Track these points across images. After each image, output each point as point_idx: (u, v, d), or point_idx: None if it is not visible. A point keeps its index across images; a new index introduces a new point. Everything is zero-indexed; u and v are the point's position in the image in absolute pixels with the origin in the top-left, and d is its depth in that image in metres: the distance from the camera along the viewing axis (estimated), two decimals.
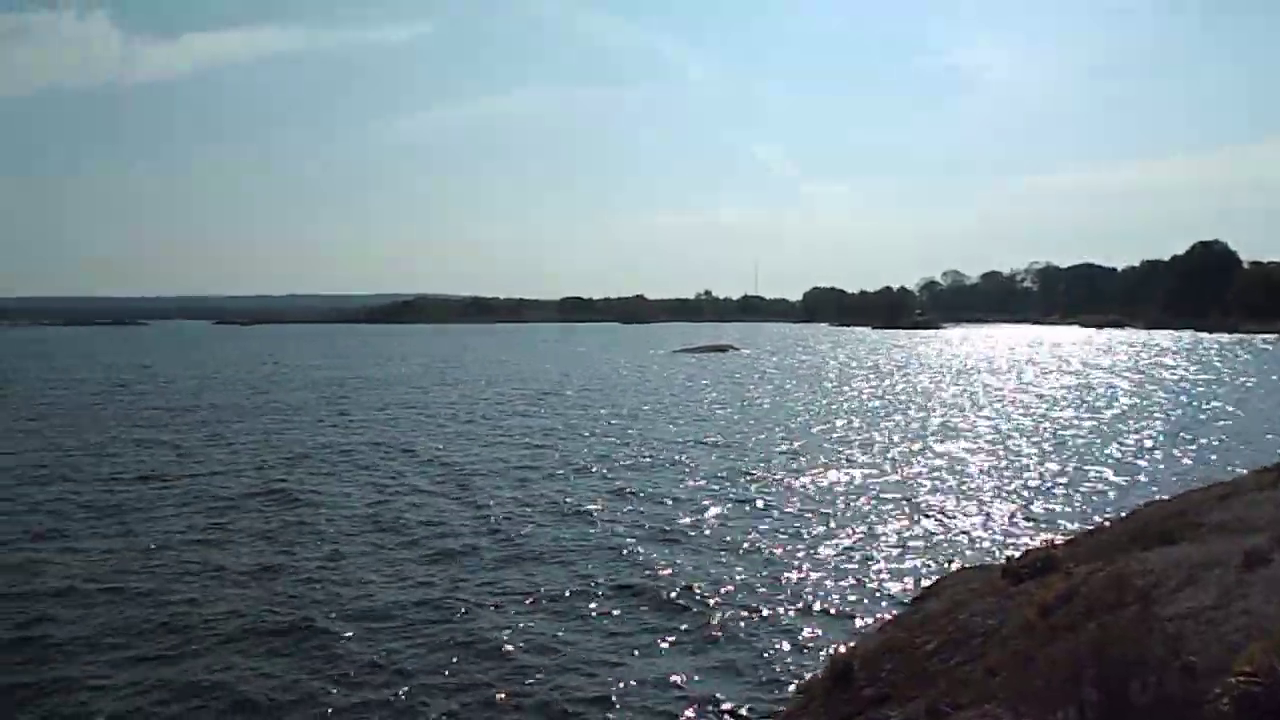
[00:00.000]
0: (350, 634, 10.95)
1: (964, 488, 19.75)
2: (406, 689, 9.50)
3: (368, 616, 11.61)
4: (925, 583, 11.97)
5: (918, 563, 14.01)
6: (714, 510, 17.73)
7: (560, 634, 11.05)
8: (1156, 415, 33.05)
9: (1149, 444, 25.88)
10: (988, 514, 17.23)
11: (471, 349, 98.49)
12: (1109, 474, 21.25)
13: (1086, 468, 22.15)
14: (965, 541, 15.29)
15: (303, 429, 30.29)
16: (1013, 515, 17.15)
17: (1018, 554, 9.05)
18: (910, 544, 15.13)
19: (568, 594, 12.59)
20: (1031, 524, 16.37)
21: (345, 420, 32.79)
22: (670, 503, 18.55)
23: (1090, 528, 10.28)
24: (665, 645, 10.72)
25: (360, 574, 13.47)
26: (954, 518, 16.95)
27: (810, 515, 17.23)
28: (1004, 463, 22.93)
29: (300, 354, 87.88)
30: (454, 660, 10.25)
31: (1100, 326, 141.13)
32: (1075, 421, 31.37)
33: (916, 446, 25.97)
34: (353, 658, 10.29)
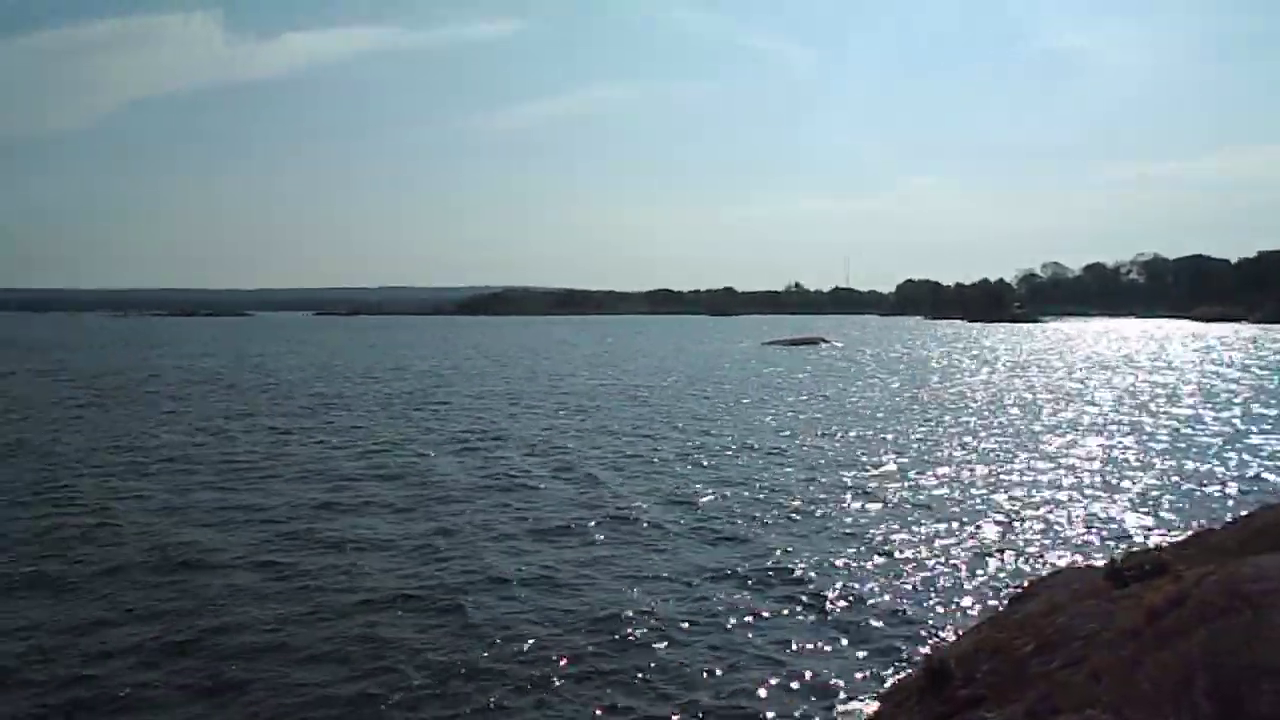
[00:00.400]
0: (481, 602, 11.58)
1: (1067, 486, 19.17)
2: (536, 657, 10.02)
3: (496, 586, 12.27)
4: (1023, 583, 11.72)
5: (1015, 562, 13.67)
6: (809, 503, 17.60)
7: (654, 612, 11.18)
8: (1275, 415, 31.51)
9: (1268, 446, 24.69)
10: (1091, 513, 16.69)
11: (566, 340, 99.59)
12: (1222, 475, 20.37)
13: (1198, 468, 21.27)
14: (1065, 541, 14.86)
15: (433, 415, 31.10)
16: (1117, 515, 16.58)
17: (1121, 555, 8.77)
18: (1008, 542, 14.77)
19: (665, 575, 12.83)
20: (1137, 525, 15.81)
21: (457, 407, 33.52)
22: (767, 493, 18.51)
23: (1199, 530, 9.88)
24: (755, 638, 10.69)
25: (485, 547, 14.21)
26: (1054, 516, 16.48)
27: (907, 510, 16.98)
28: (1111, 461, 22.17)
29: (412, 343, 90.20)
30: (570, 628, 10.75)
31: (1213, 320, 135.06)
32: (1190, 420, 30.13)
33: (1019, 443, 25.30)
34: (484, 626, 10.87)
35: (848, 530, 15.46)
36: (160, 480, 19.82)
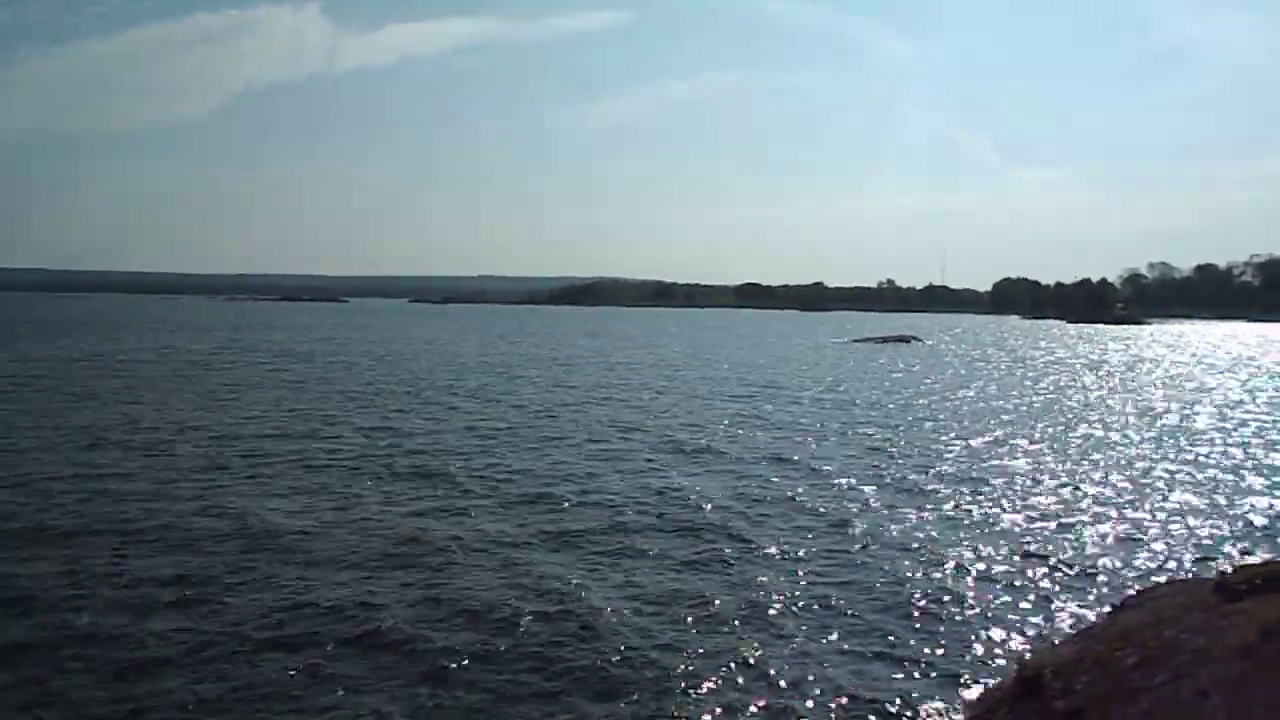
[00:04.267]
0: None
1: (1173, 495, 18.41)
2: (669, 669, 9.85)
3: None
4: (1123, 594, 11.31)
5: (1116, 572, 13.19)
6: (901, 503, 17.33)
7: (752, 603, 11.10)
8: None
9: None
10: (1197, 525, 15.99)
11: (664, 333, 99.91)
12: None
13: None
14: (1170, 552, 14.27)
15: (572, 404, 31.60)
16: (1226, 528, 15.86)
17: (1232, 569, 8.39)
18: (1109, 551, 14.26)
19: (761, 575, 12.64)
20: (1248, 539, 15.10)
21: (577, 398, 33.96)
22: (859, 490, 18.33)
23: None
24: (845, 638, 10.55)
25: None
26: (1159, 526, 15.84)
27: (1002, 515, 16.54)
28: (1220, 472, 21.20)
29: (520, 332, 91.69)
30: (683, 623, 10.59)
31: None
32: None
33: (1123, 449, 24.40)
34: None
35: (935, 534, 15.14)
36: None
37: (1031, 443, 25.29)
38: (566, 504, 16.72)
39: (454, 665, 9.62)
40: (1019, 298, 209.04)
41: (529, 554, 13.57)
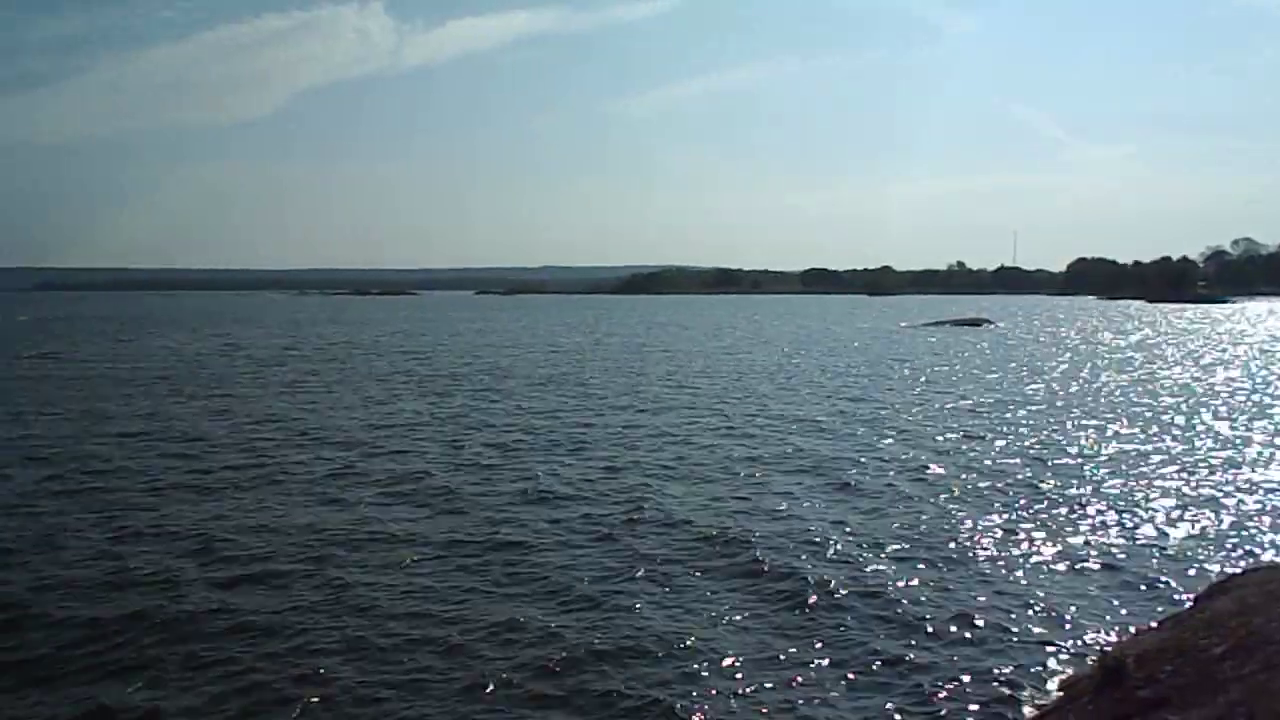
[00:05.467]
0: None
1: (1261, 481, 17.81)
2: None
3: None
4: (1208, 581, 11.04)
5: (1201, 559, 12.85)
6: (984, 489, 17.13)
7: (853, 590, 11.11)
8: None
9: None
10: None
11: (732, 321, 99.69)
12: None
13: None
14: (1258, 539, 13.85)
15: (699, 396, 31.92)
16: None
17: None
18: (1194, 538, 13.90)
19: (854, 557, 12.61)
20: None
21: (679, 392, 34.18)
22: (941, 475, 18.17)
23: None
24: (916, 634, 10.47)
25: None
26: (1247, 513, 15.35)
27: (1083, 501, 16.21)
28: None
29: (617, 323, 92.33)
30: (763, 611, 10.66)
31: None
32: None
33: (1211, 433, 23.68)
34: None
35: (1018, 518, 14.94)
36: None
37: (1119, 426, 24.66)
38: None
39: None
40: (1095, 278, 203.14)
41: None
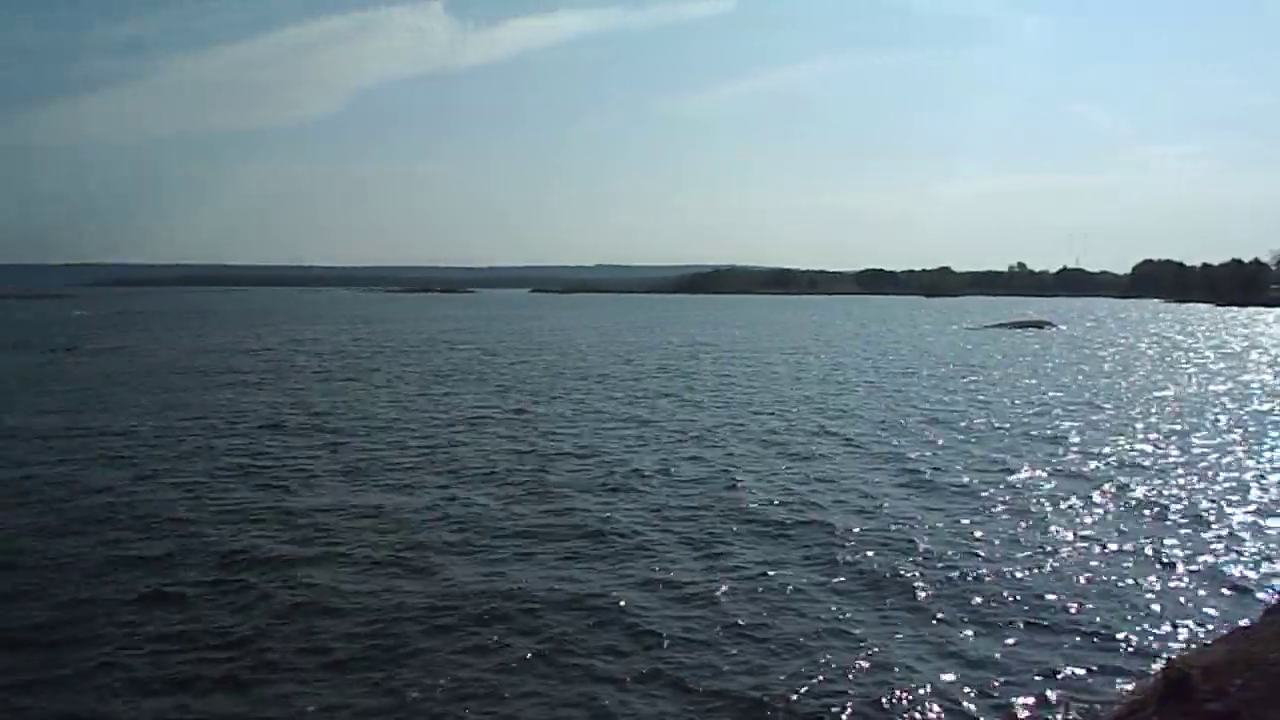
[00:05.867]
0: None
1: None
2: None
3: None
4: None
5: (1270, 571, 12.53)
6: (1050, 494, 16.98)
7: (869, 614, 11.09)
8: None
9: None
10: None
11: (798, 322, 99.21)
12: None
13: None
14: None
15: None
16: None
17: None
18: (1266, 550, 13.55)
19: (899, 576, 12.54)
20: None
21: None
22: (1009, 483, 17.96)
23: None
24: (984, 633, 10.42)
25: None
26: None
27: (1152, 509, 15.92)
28: None
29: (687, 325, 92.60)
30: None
31: None
32: None
33: None
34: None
35: (1084, 528, 14.68)
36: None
37: (1189, 434, 24.08)
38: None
39: None
40: (1161, 280, 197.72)
41: None
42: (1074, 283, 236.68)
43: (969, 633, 10.39)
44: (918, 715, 8.57)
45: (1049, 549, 13.48)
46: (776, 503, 16.16)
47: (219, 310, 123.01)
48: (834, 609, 11.08)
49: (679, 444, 22.19)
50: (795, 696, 8.86)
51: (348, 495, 16.66)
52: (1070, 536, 14.14)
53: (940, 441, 22.41)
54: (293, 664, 9.57)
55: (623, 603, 11.13)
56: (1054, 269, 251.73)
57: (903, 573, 12.32)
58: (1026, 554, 13.23)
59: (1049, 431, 24.30)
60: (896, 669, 9.41)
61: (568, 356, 49.46)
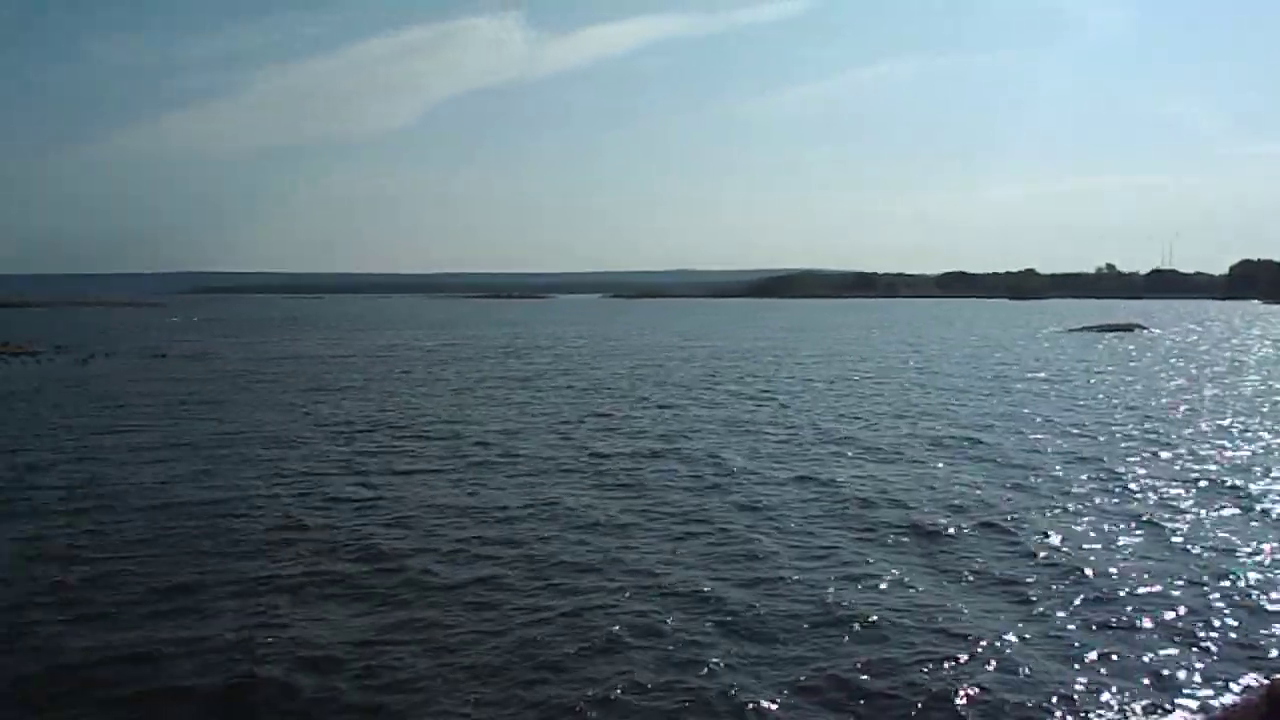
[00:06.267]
0: None
1: None
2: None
3: None
4: None
5: None
6: (1165, 497, 16.60)
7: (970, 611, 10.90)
8: None
9: None
10: None
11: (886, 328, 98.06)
12: None
13: None
14: None
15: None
16: None
17: None
18: None
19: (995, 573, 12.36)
20: None
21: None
22: (1114, 489, 17.43)
23: None
24: (1071, 639, 10.13)
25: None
26: None
27: (1249, 518, 15.23)
28: None
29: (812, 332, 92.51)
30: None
31: None
32: None
33: None
34: None
35: (1182, 538, 14.11)
36: None
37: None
38: None
39: None
40: (1262, 281, 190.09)
41: None
42: (1166, 284, 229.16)
43: (1073, 628, 10.40)
44: (1014, 709, 8.51)
45: (1164, 551, 13.28)
46: (912, 505, 16.04)
47: (308, 316, 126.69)
48: (955, 606, 11.04)
49: (772, 443, 22.24)
50: (913, 688, 8.89)
51: (469, 493, 17.10)
52: (1185, 541, 13.75)
53: (1049, 448, 21.69)
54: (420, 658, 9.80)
55: (750, 602, 11.19)
56: (1144, 270, 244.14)
57: (1014, 571, 12.32)
58: (1142, 556, 13.05)
59: (1156, 436, 23.56)
60: (1007, 663, 9.40)
61: (656, 359, 49.64)
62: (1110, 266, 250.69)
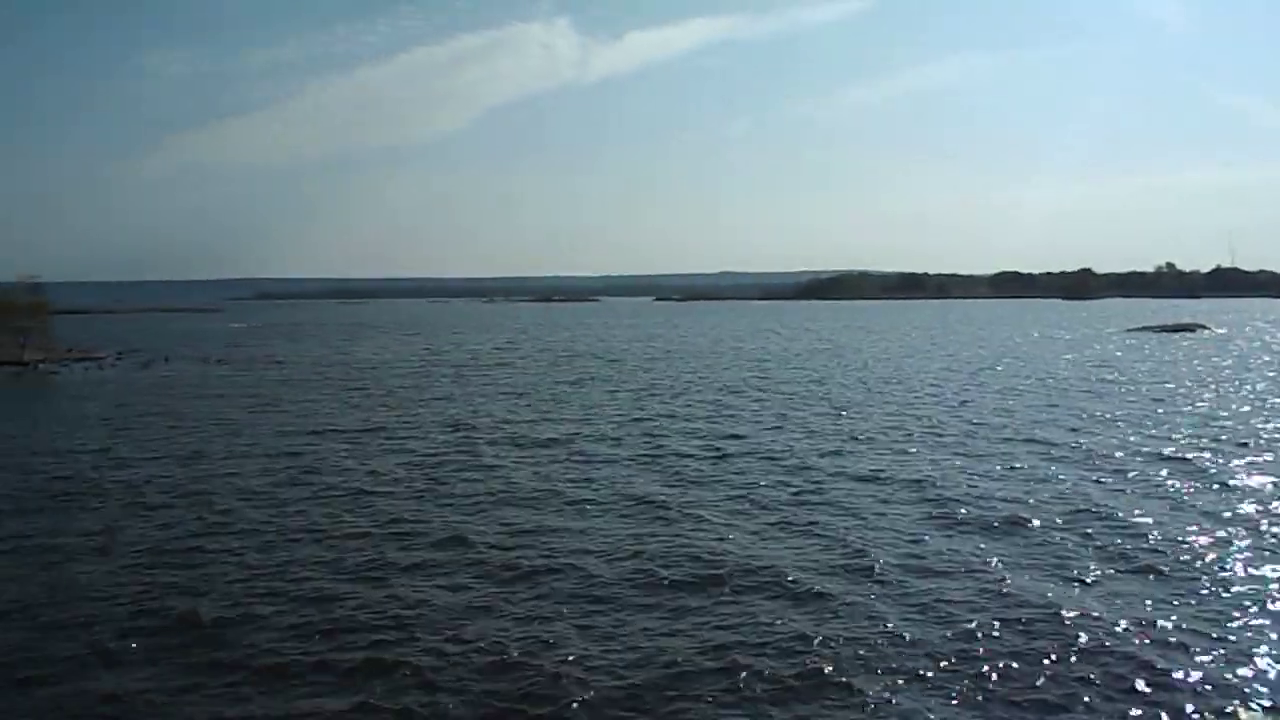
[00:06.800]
0: None
1: None
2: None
3: None
4: None
5: None
6: (1246, 496, 16.53)
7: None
8: None
9: None
10: None
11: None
12: None
13: None
14: None
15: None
16: None
17: None
18: None
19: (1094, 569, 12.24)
20: None
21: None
22: (1196, 493, 17.28)
23: None
24: (1170, 639, 10.12)
25: None
26: None
27: None
28: None
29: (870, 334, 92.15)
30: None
31: None
32: None
33: None
34: None
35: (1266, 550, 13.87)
36: None
37: None
38: None
39: None
40: None
41: None
42: (1228, 282, 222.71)
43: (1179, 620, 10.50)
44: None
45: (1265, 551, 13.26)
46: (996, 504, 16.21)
47: (367, 321, 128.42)
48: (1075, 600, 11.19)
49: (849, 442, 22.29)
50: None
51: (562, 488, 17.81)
52: (1246, 555, 13.44)
53: (1126, 450, 21.47)
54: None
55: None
56: (1206, 269, 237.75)
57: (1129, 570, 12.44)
58: (1247, 554, 13.10)
59: (1240, 436, 23.29)
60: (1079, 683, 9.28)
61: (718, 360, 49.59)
62: (1170, 265, 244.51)
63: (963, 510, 15.90)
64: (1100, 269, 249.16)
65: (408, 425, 26.55)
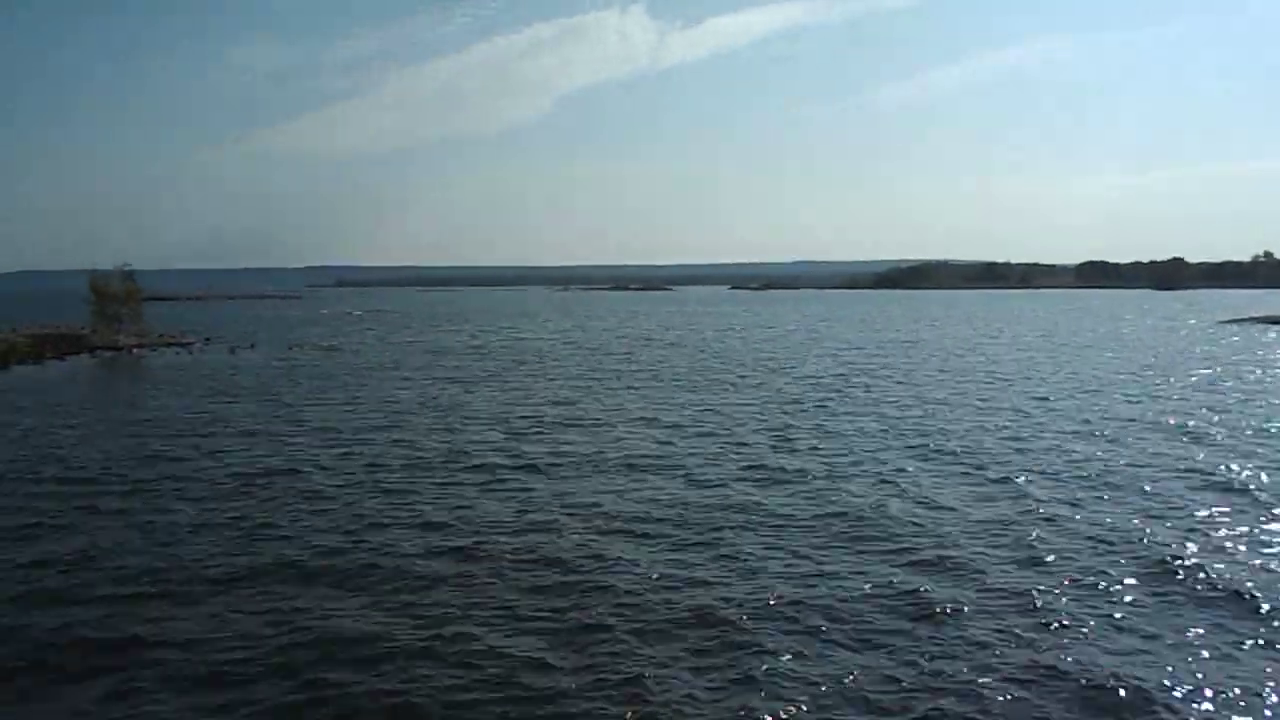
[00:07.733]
0: None
1: None
2: None
3: None
4: None
5: None
6: None
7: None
8: None
9: None
10: None
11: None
12: None
13: None
14: None
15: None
16: None
17: None
18: None
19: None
20: None
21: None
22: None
23: None
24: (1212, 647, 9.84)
25: None
26: None
27: None
28: None
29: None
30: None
31: None
32: None
33: None
34: None
35: None
36: None
37: None
38: None
39: None
40: None
41: None
42: None
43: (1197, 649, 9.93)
44: None
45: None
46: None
47: (448, 308, 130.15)
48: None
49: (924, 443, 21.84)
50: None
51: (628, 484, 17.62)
52: None
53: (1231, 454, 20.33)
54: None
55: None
56: None
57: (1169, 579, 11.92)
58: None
59: None
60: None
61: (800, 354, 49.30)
62: (1268, 254, 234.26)
63: None
64: (1193, 259, 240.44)
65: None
